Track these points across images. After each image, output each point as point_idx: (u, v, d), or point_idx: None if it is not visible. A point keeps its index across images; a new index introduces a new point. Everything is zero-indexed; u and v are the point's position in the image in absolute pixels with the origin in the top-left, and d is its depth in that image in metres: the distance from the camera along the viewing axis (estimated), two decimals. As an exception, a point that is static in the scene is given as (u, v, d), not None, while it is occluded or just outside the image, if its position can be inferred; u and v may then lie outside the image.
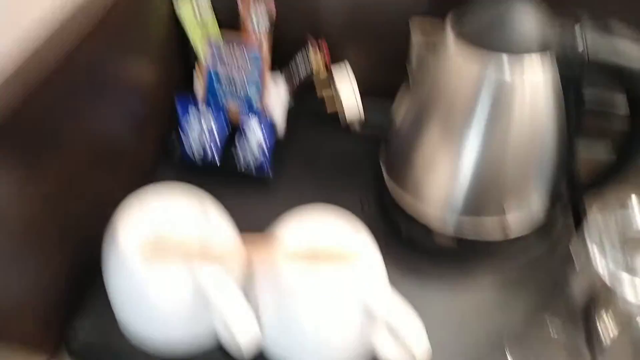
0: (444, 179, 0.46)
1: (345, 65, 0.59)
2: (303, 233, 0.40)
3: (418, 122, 0.46)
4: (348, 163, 0.58)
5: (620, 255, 0.34)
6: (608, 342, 0.40)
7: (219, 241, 0.40)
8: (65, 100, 0.43)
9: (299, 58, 0.59)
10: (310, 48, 0.58)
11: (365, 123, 0.61)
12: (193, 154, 0.55)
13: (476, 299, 0.48)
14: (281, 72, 0.60)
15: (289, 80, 0.60)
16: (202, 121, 0.55)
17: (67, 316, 0.44)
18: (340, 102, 0.59)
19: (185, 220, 0.41)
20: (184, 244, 0.39)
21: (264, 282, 0.40)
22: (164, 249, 0.39)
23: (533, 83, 0.41)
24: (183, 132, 0.55)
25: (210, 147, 0.55)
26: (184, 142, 0.55)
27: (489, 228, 0.47)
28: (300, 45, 0.60)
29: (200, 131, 0.55)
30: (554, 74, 0.41)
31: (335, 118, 0.61)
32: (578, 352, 0.42)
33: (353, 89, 0.59)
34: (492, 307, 0.47)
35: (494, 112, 0.42)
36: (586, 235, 0.37)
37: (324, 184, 0.56)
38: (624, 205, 0.37)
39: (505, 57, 0.40)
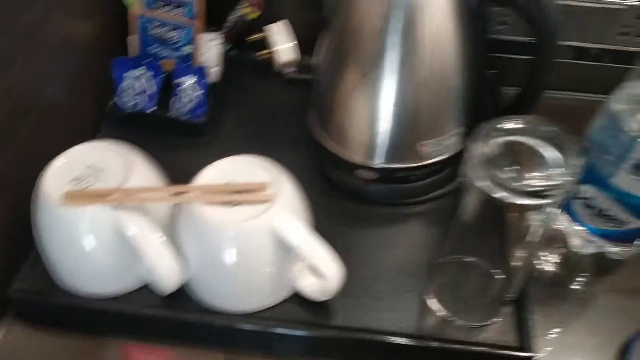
0: (360, 119, 0.48)
1: (282, 23, 0.61)
2: (221, 175, 0.42)
3: (333, 65, 0.47)
4: (284, 110, 0.60)
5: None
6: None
7: (142, 187, 0.42)
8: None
9: (234, 12, 0.60)
10: (245, 3, 0.60)
11: (301, 69, 0.62)
12: (129, 108, 0.56)
13: (400, 232, 0.51)
14: (218, 24, 0.61)
15: (226, 31, 0.61)
16: (137, 74, 0.56)
17: (5, 276, 0.46)
18: (277, 52, 0.60)
19: (110, 172, 0.43)
20: (107, 191, 0.41)
21: (184, 222, 0.42)
22: (87, 195, 0.41)
23: (438, 11, 0.42)
24: (119, 86, 0.56)
25: (146, 99, 0.56)
26: (121, 97, 0.56)
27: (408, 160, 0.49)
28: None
29: (135, 84, 0.56)
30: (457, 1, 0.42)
31: (272, 66, 0.62)
32: (488, 272, 0.46)
33: (287, 40, 0.60)
34: (416, 239, 0.51)
35: (403, 46, 0.43)
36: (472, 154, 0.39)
37: (258, 130, 0.58)
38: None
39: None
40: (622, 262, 0.51)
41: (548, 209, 0.36)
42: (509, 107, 0.50)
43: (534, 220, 0.38)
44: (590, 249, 0.50)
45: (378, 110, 0.47)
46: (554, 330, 0.47)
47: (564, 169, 0.34)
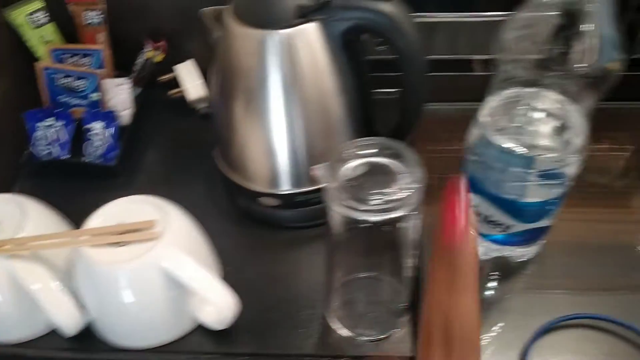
0: (252, 150, 0.50)
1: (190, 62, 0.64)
2: (112, 217, 0.44)
3: (222, 99, 0.49)
4: (198, 144, 0.62)
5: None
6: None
7: (35, 236, 0.44)
8: None
9: (140, 56, 0.63)
10: (149, 47, 0.62)
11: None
12: (44, 157, 0.59)
13: (305, 254, 0.53)
14: (127, 69, 0.63)
15: (135, 75, 0.63)
16: (48, 123, 0.58)
17: None
18: (186, 90, 0.63)
19: (4, 223, 0.44)
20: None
21: (78, 266, 0.43)
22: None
23: (308, 49, 0.44)
24: (32, 137, 0.59)
25: (59, 147, 0.58)
26: (35, 147, 0.59)
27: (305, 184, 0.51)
28: (140, 44, 0.63)
29: (47, 134, 0.58)
30: (323, 36, 0.44)
31: (184, 104, 0.64)
32: (384, 286, 0.47)
33: (195, 78, 0.63)
34: (320, 259, 0.51)
35: (279, 79, 0.45)
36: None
37: (173, 167, 0.61)
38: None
39: (275, 32, 0.43)
40: (526, 263, 0.53)
41: (410, 219, 0.38)
42: (393, 130, 0.52)
43: (403, 231, 0.40)
44: (491, 254, 0.52)
45: (268, 140, 0.49)
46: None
47: (410, 180, 0.36)
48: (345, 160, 0.37)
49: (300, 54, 0.44)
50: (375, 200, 0.36)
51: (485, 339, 0.48)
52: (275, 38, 0.43)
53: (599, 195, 0.59)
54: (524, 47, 0.38)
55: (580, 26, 0.37)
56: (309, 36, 0.44)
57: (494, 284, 0.52)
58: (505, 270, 0.53)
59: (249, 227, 0.55)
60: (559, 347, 0.47)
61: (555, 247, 0.54)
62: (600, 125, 0.64)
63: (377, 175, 0.37)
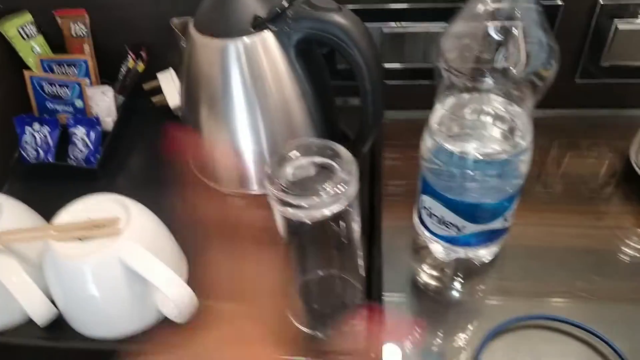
0: (219, 153, 0.52)
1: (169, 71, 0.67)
2: (79, 213, 0.47)
3: (189, 106, 0.52)
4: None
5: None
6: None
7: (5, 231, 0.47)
8: None
9: (123, 66, 0.66)
10: (130, 57, 0.66)
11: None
12: (32, 160, 0.62)
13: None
14: (113, 77, 0.67)
15: (119, 84, 0.67)
16: (36, 128, 0.62)
17: None
18: (168, 97, 0.66)
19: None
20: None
21: (46, 259, 0.46)
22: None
23: (265, 56, 0.47)
24: (21, 141, 0.62)
25: (45, 150, 0.62)
26: (24, 151, 0.62)
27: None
28: (125, 55, 0.67)
29: (35, 138, 0.62)
30: (279, 44, 0.47)
31: (167, 111, 0.67)
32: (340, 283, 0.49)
33: (175, 87, 0.65)
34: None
35: (244, 90, 0.48)
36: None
37: (151, 171, 0.63)
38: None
39: (233, 41, 0.46)
40: (488, 266, 0.54)
41: (349, 215, 0.40)
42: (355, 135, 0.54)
43: (346, 228, 0.41)
44: (452, 256, 0.54)
45: (232, 143, 0.51)
46: (412, 335, 0.50)
47: (346, 178, 0.38)
48: (284, 161, 0.39)
49: (259, 61, 0.47)
50: (314, 198, 0.38)
51: (442, 339, 0.50)
52: (233, 46, 0.46)
53: (564, 201, 0.60)
54: (461, 55, 0.40)
55: (513, 33, 0.39)
56: (266, 44, 0.46)
57: (455, 285, 0.53)
58: (466, 272, 0.54)
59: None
60: (513, 347, 0.48)
61: (517, 251, 0.55)
62: (571, 133, 0.67)
63: (315, 175, 0.39)
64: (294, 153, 0.39)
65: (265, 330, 0.49)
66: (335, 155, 0.39)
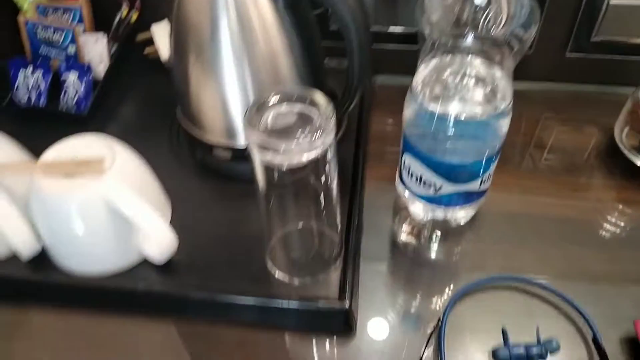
0: (206, 103, 0.53)
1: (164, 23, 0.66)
2: (66, 152, 0.48)
3: (178, 55, 0.53)
4: (167, 101, 0.65)
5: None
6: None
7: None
8: None
9: (117, 14, 0.67)
10: (124, 5, 0.66)
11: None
12: (24, 104, 0.63)
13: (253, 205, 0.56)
14: (107, 26, 0.67)
15: (112, 32, 0.67)
16: (29, 72, 0.62)
17: None
18: (160, 49, 0.66)
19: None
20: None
21: (33, 195, 0.47)
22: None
23: (254, 6, 0.47)
24: (14, 85, 0.63)
25: (37, 95, 0.63)
26: (16, 94, 0.63)
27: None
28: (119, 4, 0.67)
29: (28, 82, 0.63)
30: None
31: (159, 63, 0.68)
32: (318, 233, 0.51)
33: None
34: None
35: (232, 39, 0.48)
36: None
37: (140, 120, 0.65)
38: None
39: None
40: (464, 228, 0.56)
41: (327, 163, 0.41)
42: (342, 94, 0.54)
43: (324, 175, 0.43)
44: (431, 216, 0.55)
45: (220, 94, 0.52)
46: (384, 292, 0.52)
47: (322, 123, 0.39)
48: (264, 108, 0.40)
49: (247, 10, 0.47)
50: (291, 143, 0.38)
51: (414, 296, 0.51)
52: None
53: (546, 171, 0.61)
54: (444, 16, 0.41)
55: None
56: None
57: (431, 245, 0.55)
58: (443, 233, 0.56)
59: (204, 178, 0.58)
60: (482, 306, 0.49)
61: (494, 216, 0.56)
62: (558, 106, 0.68)
63: (294, 123, 0.40)
64: (274, 100, 0.40)
65: (243, 273, 0.50)
66: (313, 104, 0.40)
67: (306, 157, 0.39)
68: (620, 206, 0.57)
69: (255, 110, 0.39)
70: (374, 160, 0.62)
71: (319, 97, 0.40)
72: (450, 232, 0.56)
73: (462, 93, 0.46)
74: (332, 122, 0.39)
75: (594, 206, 0.57)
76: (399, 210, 0.58)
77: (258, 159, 0.40)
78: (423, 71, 0.46)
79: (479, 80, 0.46)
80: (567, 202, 0.58)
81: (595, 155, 0.62)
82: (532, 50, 0.66)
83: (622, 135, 0.60)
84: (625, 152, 0.59)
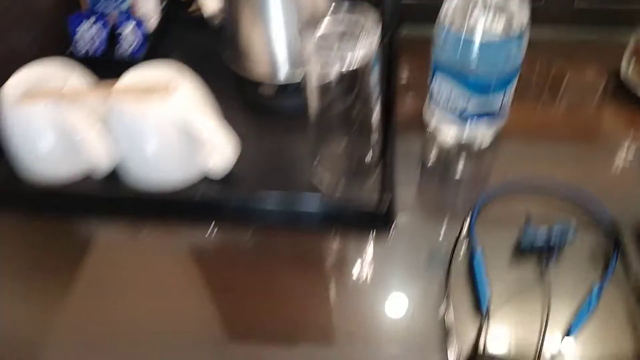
0: (254, 45, 0.60)
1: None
2: (139, 78, 0.54)
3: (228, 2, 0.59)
4: (213, 53, 0.72)
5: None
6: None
7: (79, 88, 0.55)
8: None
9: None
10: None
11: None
12: (83, 55, 0.70)
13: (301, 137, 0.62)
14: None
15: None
16: (87, 26, 0.69)
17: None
18: (203, 5, 0.72)
19: (56, 79, 0.55)
20: (53, 91, 0.53)
21: (110, 115, 0.53)
22: (36, 95, 0.53)
23: None
24: (74, 37, 0.70)
25: (95, 46, 0.69)
26: (76, 46, 0.70)
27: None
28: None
29: (86, 35, 0.69)
30: None
31: (202, 21, 0.74)
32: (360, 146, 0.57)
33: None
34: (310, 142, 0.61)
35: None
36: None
37: (189, 66, 0.70)
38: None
39: None
40: (487, 150, 0.62)
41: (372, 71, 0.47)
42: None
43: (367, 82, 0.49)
44: (455, 139, 0.61)
45: (266, 34, 0.59)
46: (418, 196, 0.58)
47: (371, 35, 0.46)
48: (317, 23, 0.47)
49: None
50: (341, 53, 0.45)
51: (442, 208, 0.58)
52: None
53: (563, 105, 0.67)
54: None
55: None
56: None
57: (458, 166, 0.61)
58: (467, 156, 0.62)
59: (253, 114, 0.65)
60: (506, 207, 0.56)
61: (510, 141, 0.63)
62: (567, 50, 0.74)
63: (343, 34, 0.46)
64: (328, 15, 0.47)
65: (293, 185, 0.56)
66: (360, 13, 0.46)
67: (357, 55, 0.45)
68: (631, 130, 0.64)
69: (309, 24, 0.46)
70: (400, 99, 0.68)
71: (370, 13, 0.46)
72: (473, 156, 0.62)
73: (486, 19, 0.52)
74: (377, 26, 0.45)
75: (605, 131, 0.64)
76: (427, 139, 0.64)
77: (313, 68, 0.47)
78: (451, 4, 0.53)
79: (500, 8, 0.52)
80: (580, 129, 0.64)
81: (602, 91, 0.68)
82: (543, 2, 0.73)
83: (628, 69, 0.66)
84: (632, 87, 0.66)
